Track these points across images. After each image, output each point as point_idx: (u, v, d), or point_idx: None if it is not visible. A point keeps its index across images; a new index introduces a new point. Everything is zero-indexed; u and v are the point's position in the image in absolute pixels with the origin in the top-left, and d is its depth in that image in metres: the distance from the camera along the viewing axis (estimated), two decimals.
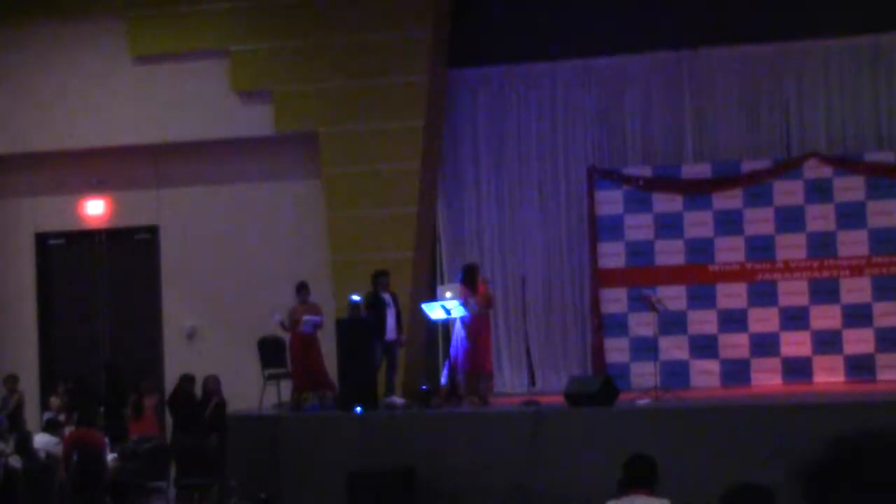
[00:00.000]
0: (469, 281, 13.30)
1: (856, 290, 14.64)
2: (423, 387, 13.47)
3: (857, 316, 14.62)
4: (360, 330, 13.32)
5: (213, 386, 14.37)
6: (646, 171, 15.26)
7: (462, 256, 15.83)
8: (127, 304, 16.58)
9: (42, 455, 13.07)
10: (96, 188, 16.52)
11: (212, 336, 16.10)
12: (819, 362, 14.69)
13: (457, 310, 13.45)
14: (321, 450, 12.60)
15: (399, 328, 13.80)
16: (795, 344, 14.75)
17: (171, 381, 15.60)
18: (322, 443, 12.64)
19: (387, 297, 13.81)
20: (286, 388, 14.00)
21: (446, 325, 14.76)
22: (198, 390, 14.74)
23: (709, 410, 12.16)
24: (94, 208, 16.65)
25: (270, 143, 15.91)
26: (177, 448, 13.98)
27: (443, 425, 12.42)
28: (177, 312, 16.29)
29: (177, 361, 15.94)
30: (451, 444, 12.22)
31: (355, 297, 13.61)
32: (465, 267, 13.67)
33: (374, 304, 13.67)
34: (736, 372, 14.82)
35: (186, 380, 14.58)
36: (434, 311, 13.56)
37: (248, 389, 14.13)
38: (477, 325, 13.17)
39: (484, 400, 13.05)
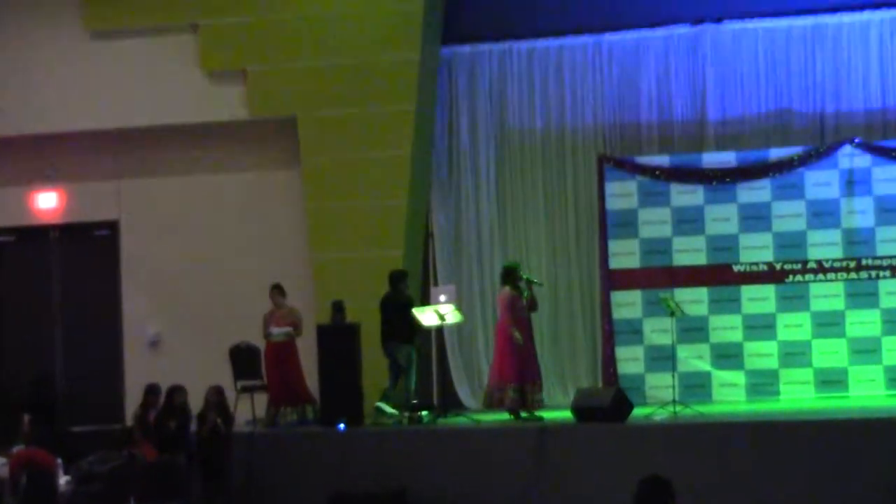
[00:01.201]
0: (511, 282, 13.26)
1: None
2: (414, 400, 13.62)
3: None
4: (343, 336, 13.34)
5: (215, 398, 14.23)
6: (663, 161, 15.27)
7: (457, 255, 15.94)
8: (83, 307, 16.59)
9: None
10: (49, 179, 16.52)
11: (178, 344, 16.11)
12: (856, 373, 14.71)
13: (452, 315, 13.47)
14: (300, 470, 12.64)
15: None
16: (830, 353, 14.81)
17: (132, 393, 15.61)
18: (301, 462, 12.68)
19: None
20: (262, 401, 14.01)
21: (440, 332, 14.79)
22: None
23: (733, 427, 12.18)
24: (47, 201, 16.65)
25: (244, 129, 15.95)
26: (141, 469, 13.92)
27: (437, 443, 12.48)
28: (139, 317, 16.31)
29: (138, 372, 15.89)
30: (446, 463, 12.27)
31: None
32: (506, 268, 13.61)
33: (396, 307, 13.69)
34: (763, 384, 14.87)
35: (179, 392, 14.24)
36: (426, 316, 13.56)
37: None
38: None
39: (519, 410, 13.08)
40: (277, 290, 14.05)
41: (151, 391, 14.22)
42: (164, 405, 13.45)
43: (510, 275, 13.36)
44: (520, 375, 13.01)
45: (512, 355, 13.04)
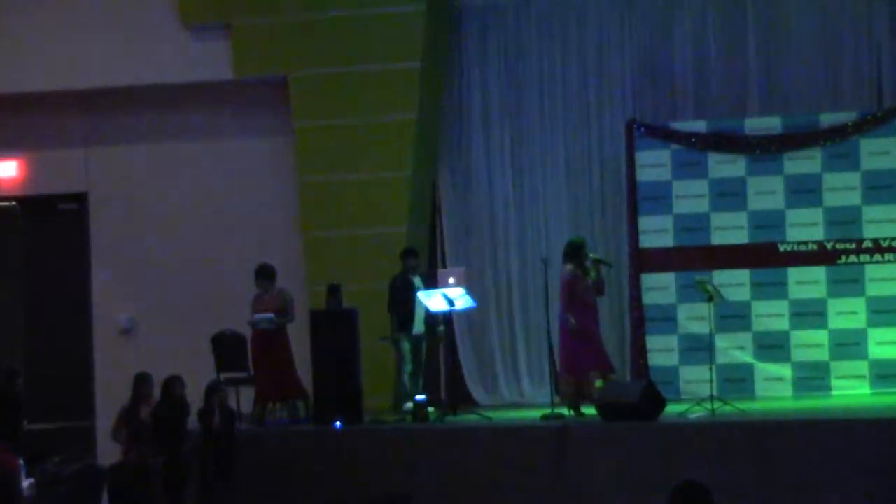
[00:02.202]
0: (575, 260, 13.17)
1: None
2: (419, 397, 13.51)
3: None
4: (339, 323, 13.33)
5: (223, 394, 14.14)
6: (700, 126, 15.26)
7: (468, 233, 15.94)
8: (48, 290, 16.62)
9: None
10: (8, 146, 16.48)
11: (154, 331, 16.11)
12: None
13: (462, 300, 13.41)
14: (290, 475, 12.65)
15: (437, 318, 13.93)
16: (887, 343, 14.77)
17: (102, 386, 15.65)
18: (291, 466, 12.69)
19: (417, 281, 13.94)
20: (248, 396, 14.00)
21: (449, 319, 14.75)
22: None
23: (778, 427, 12.18)
24: (6, 171, 16.66)
25: (228, 91, 15.94)
26: (117, 470, 13.87)
27: (446, 443, 12.49)
28: (110, 301, 16.32)
29: (109, 363, 15.98)
30: (456, 466, 12.28)
31: None
32: (571, 243, 13.49)
33: (402, 289, 13.77)
34: (812, 378, 14.88)
35: (176, 382, 14.10)
36: (433, 301, 13.55)
37: (200, 398, 14.05)
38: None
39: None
40: (263, 271, 14.00)
41: (144, 381, 14.02)
42: (163, 397, 13.32)
43: (575, 252, 13.26)
44: (577, 365, 12.89)
45: (569, 343, 12.97)
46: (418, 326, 13.95)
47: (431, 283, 14.39)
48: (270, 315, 13.79)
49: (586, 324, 13.12)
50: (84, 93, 16.10)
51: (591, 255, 13.45)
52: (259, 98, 15.88)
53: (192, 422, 13.02)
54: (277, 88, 15.60)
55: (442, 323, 14.10)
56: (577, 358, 13.01)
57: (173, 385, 13.31)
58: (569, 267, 13.20)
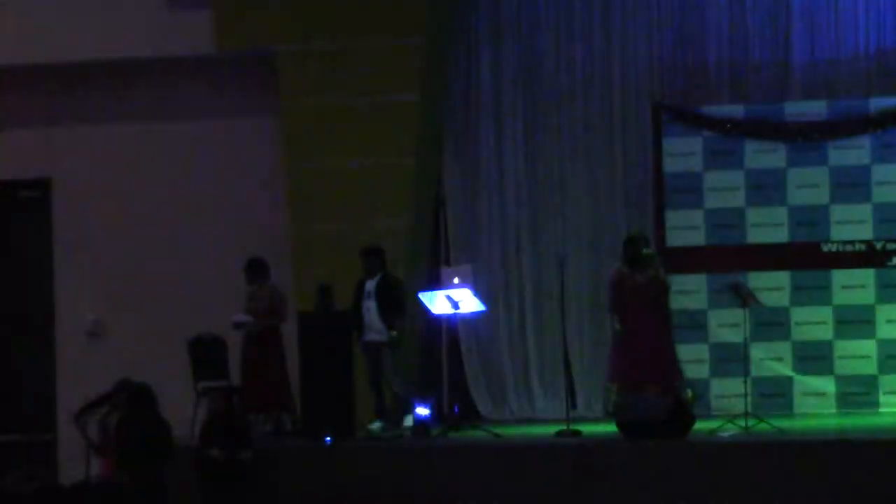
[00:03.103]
0: (633, 258, 12.94)
1: None
2: (423, 404, 13.52)
3: None
4: (331, 326, 13.29)
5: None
6: (735, 111, 15.33)
7: (476, 226, 15.96)
8: (5, 287, 16.60)
9: None
10: None
11: (123, 333, 16.10)
12: None
13: (468, 302, 13.35)
14: (273, 496, 12.57)
15: (391, 323, 13.81)
16: None
17: (65, 394, 15.63)
18: (277, 484, 12.59)
19: (369, 284, 13.85)
20: None
21: (452, 325, 14.75)
22: None
23: (819, 447, 12.11)
24: None
25: (210, 67, 15.94)
26: (81, 491, 13.83)
27: (451, 463, 12.42)
28: (75, 300, 16.31)
29: (73, 368, 15.98)
30: (464, 488, 12.20)
31: None
32: (629, 238, 13.24)
33: (355, 293, 13.83)
34: (858, 393, 14.94)
35: (146, 393, 14.02)
36: (436, 302, 13.54)
37: (175, 409, 14.00)
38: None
39: None
40: (252, 266, 14.06)
41: (125, 390, 13.99)
42: (147, 408, 13.23)
43: (625, 247, 12.97)
44: (620, 374, 12.75)
45: (612, 350, 12.93)
46: (369, 334, 13.82)
47: (434, 282, 14.35)
48: (244, 318, 13.73)
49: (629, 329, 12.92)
50: (47, 68, 16.06)
51: (644, 251, 13.08)
52: (243, 75, 15.86)
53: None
54: (263, 64, 15.58)
55: (397, 326, 13.93)
56: (612, 365, 12.90)
57: (141, 393, 13.22)
58: (617, 265, 13.05)
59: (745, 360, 13.68)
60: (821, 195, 15.07)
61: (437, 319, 14.43)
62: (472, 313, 14.14)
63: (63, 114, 16.27)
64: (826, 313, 15.02)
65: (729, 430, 12.82)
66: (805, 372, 14.98)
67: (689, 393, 12.71)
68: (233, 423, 12.93)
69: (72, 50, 15.82)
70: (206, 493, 12.62)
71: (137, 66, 15.95)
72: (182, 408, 14.08)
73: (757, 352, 14.63)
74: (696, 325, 15.12)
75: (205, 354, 14.27)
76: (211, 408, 13.38)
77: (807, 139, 15.06)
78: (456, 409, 13.66)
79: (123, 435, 13.12)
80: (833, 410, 14.82)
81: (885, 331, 14.90)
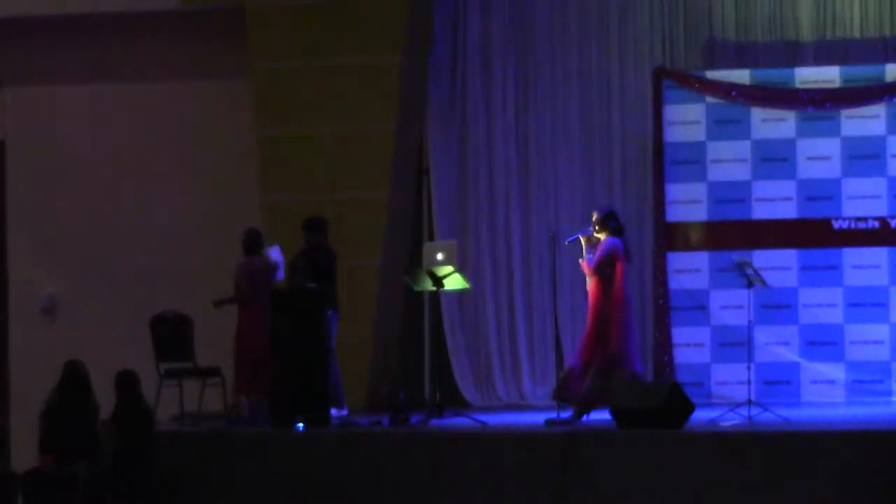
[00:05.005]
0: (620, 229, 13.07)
1: None
2: (401, 393, 13.49)
3: None
4: (302, 304, 13.22)
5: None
6: (741, 77, 15.34)
7: (462, 199, 15.96)
8: None
9: None
10: None
11: (81, 310, 16.17)
12: None
13: (453, 280, 13.35)
14: (243, 487, 12.55)
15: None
16: None
17: (18, 377, 15.65)
18: (245, 475, 12.57)
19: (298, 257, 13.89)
20: (191, 391, 13.89)
21: (436, 303, 14.64)
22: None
23: (827, 438, 12.02)
24: None
25: (173, 22, 15.95)
26: (34, 477, 13.81)
27: (432, 451, 12.39)
28: (29, 274, 16.39)
29: (27, 347, 16.04)
30: (445, 478, 12.17)
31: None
32: (612, 212, 13.24)
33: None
34: (870, 381, 14.94)
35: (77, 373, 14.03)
36: (419, 280, 13.58)
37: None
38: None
39: None
40: (248, 237, 13.92)
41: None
42: (73, 389, 13.20)
43: (614, 218, 13.09)
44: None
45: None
46: None
47: (417, 259, 14.30)
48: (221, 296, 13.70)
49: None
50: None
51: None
52: (210, 31, 15.86)
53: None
54: (232, 19, 15.55)
55: None
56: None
57: (80, 373, 13.15)
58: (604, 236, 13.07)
59: (749, 344, 13.51)
60: (832, 168, 15.10)
61: (419, 298, 14.42)
62: (457, 291, 14.09)
63: (17, 72, 16.35)
64: (836, 295, 15.06)
65: (731, 420, 12.78)
66: (813, 358, 15.02)
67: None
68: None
69: (25, 3, 15.83)
70: None
71: (96, 21, 15.95)
72: (145, 390, 14.04)
73: (761, 336, 14.61)
74: (697, 307, 15.19)
75: (168, 334, 14.17)
76: None
77: (818, 108, 15.07)
78: (401, 396, 13.52)
79: (48, 420, 13.12)
80: (842, 399, 14.84)
81: None
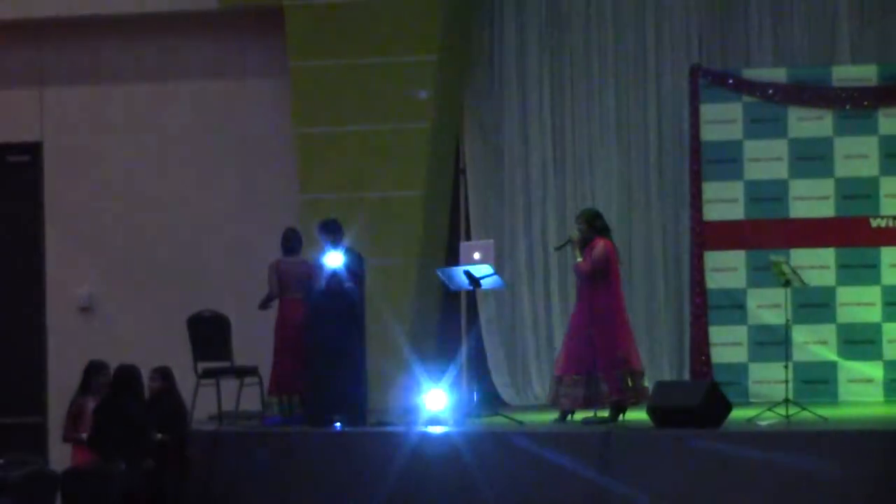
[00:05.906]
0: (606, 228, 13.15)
1: None
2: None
3: None
4: (340, 302, 13.23)
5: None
6: (778, 75, 15.31)
7: (498, 198, 15.96)
8: None
9: None
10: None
11: (118, 309, 16.23)
12: None
13: (489, 279, 13.41)
14: (280, 487, 12.60)
15: None
16: None
17: (56, 375, 15.69)
18: (283, 475, 12.62)
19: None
20: (229, 391, 13.95)
21: (472, 302, 14.73)
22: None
23: (866, 437, 12.01)
24: None
25: (211, 22, 16.02)
26: (72, 476, 13.90)
27: (472, 452, 12.35)
28: (66, 273, 16.42)
29: (65, 346, 16.04)
30: (484, 479, 12.16)
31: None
32: (597, 212, 13.33)
33: None
34: None
35: (129, 375, 14.08)
36: (456, 278, 13.54)
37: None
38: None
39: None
40: (286, 236, 13.86)
41: (97, 371, 14.07)
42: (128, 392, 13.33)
43: (601, 219, 13.17)
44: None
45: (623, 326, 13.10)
46: None
47: (453, 258, 14.33)
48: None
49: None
50: (38, 23, 16.12)
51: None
52: (248, 31, 15.96)
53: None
54: (270, 19, 15.59)
55: None
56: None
57: (129, 375, 13.28)
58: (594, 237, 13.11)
59: (787, 343, 13.58)
60: (870, 166, 15.06)
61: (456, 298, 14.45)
62: (494, 287, 14.11)
63: (54, 73, 16.38)
64: (874, 294, 15.02)
65: (768, 419, 12.77)
66: (851, 357, 14.97)
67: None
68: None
69: (64, 5, 15.89)
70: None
71: (133, 21, 16.03)
72: (182, 390, 14.06)
73: (799, 335, 14.60)
74: (735, 306, 15.14)
75: (205, 333, 14.23)
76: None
77: (855, 106, 15.03)
78: (476, 396, 13.63)
79: (99, 420, 13.23)
80: (881, 399, 14.79)
81: None
